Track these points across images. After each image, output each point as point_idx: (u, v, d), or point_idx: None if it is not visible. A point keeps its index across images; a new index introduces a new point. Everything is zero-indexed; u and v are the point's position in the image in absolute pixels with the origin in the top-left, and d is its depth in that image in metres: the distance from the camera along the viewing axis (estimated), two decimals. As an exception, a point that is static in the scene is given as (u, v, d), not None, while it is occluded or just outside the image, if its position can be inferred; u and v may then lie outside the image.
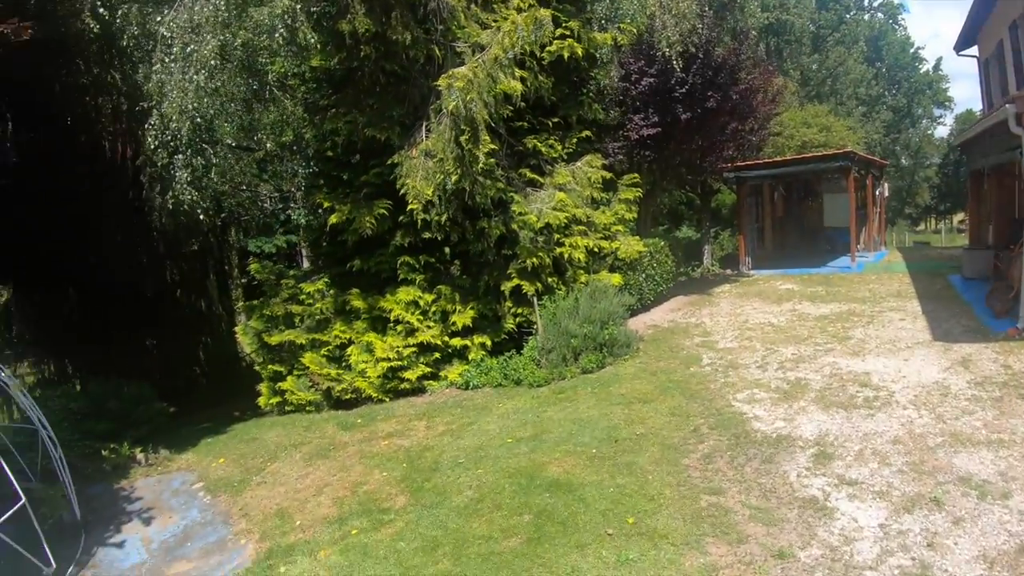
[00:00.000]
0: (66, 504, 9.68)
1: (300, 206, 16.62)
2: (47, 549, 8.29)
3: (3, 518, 7.87)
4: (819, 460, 7.54)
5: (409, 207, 11.92)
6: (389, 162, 12.22)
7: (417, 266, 12.81)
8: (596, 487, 7.53)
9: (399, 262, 12.79)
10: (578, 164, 14.35)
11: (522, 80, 12.34)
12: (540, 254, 12.85)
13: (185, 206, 12.38)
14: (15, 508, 8.08)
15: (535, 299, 12.74)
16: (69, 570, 8.57)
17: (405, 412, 11.69)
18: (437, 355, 12.73)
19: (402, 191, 11.86)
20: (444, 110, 11.24)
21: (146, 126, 11.98)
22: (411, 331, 12.59)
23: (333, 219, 12.72)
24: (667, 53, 14.75)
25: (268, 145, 15.55)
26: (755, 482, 7.28)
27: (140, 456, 11.75)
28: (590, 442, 8.74)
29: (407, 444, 10.08)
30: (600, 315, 12.34)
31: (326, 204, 13.08)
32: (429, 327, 12.66)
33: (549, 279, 13.19)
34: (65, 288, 17.26)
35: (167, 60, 11.34)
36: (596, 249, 13.96)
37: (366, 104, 12.76)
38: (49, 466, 9.95)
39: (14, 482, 8.26)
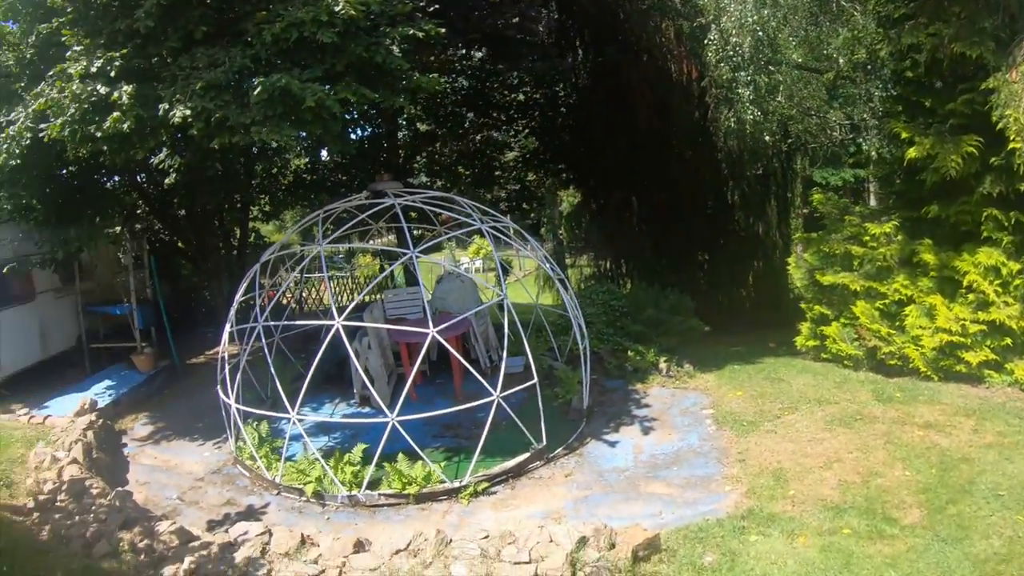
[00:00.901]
0: (579, 390, 10.28)
1: (872, 136, 14.83)
2: (543, 426, 8.83)
3: (512, 390, 8.60)
4: None
5: (1010, 145, 9.54)
6: (983, 87, 9.93)
7: (1005, 224, 10.28)
8: None
9: (984, 215, 10.41)
10: None
11: None
12: None
13: (748, 126, 12.00)
14: (525, 385, 8.73)
15: None
16: (557, 450, 9.05)
17: (952, 402, 9.68)
18: (1007, 341, 10.19)
19: (999, 125, 9.58)
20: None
21: (705, 42, 11.75)
22: (984, 304, 10.28)
23: (911, 153, 10.80)
24: None
25: (840, 61, 14.02)
26: None
27: (663, 365, 11.86)
28: None
29: (944, 444, 8.27)
30: None
31: (904, 135, 11.13)
32: (1007, 303, 10.17)
33: None
34: (629, 196, 18.31)
35: (722, -27, 10.82)
36: None
37: (951, 12, 10.48)
38: (576, 352, 10.60)
39: (531, 361, 8.88)
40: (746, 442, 8.84)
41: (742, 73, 11.83)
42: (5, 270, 11.65)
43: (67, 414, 10.93)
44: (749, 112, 11.98)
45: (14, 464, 9.39)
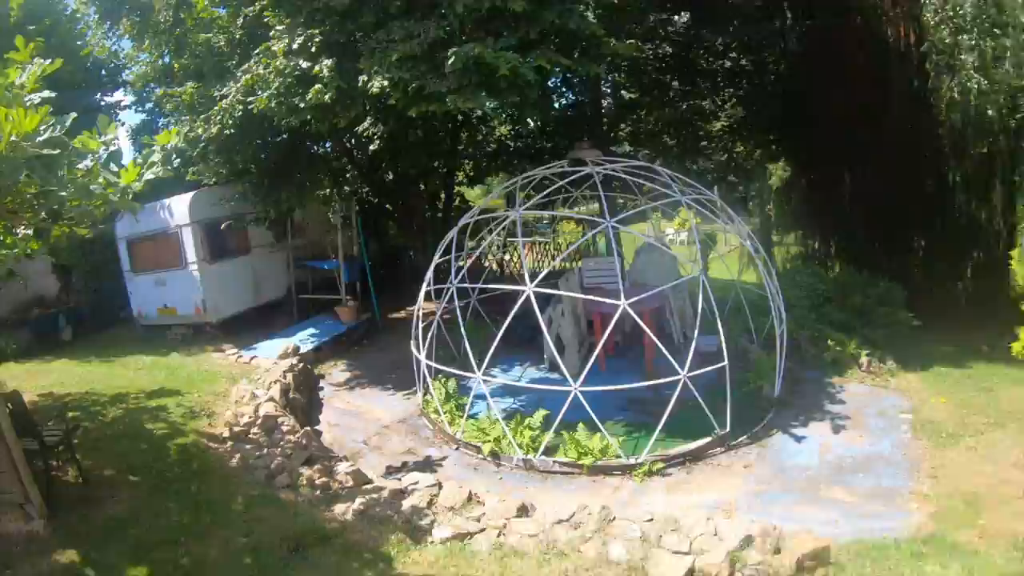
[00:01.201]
0: (771, 378, 10.01)
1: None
2: (728, 411, 8.73)
3: (701, 370, 8.56)
4: None
5: None
6: None
7: None
8: None
9: None
10: None
11: None
12: None
13: (972, 97, 10.89)
14: (715, 367, 8.63)
15: None
16: (740, 438, 8.95)
17: None
18: None
19: None
20: None
21: (923, 2, 10.78)
22: None
23: None
24: None
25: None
26: None
27: (863, 359, 11.31)
28: None
29: None
30: None
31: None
32: None
33: None
34: (842, 172, 17.21)
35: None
36: None
37: None
38: (774, 336, 10.30)
39: (723, 342, 8.73)
40: (942, 456, 8.26)
41: (964, 36, 10.78)
42: (223, 226, 13.05)
43: (272, 356, 12.20)
44: (973, 81, 10.89)
45: (217, 397, 10.60)
